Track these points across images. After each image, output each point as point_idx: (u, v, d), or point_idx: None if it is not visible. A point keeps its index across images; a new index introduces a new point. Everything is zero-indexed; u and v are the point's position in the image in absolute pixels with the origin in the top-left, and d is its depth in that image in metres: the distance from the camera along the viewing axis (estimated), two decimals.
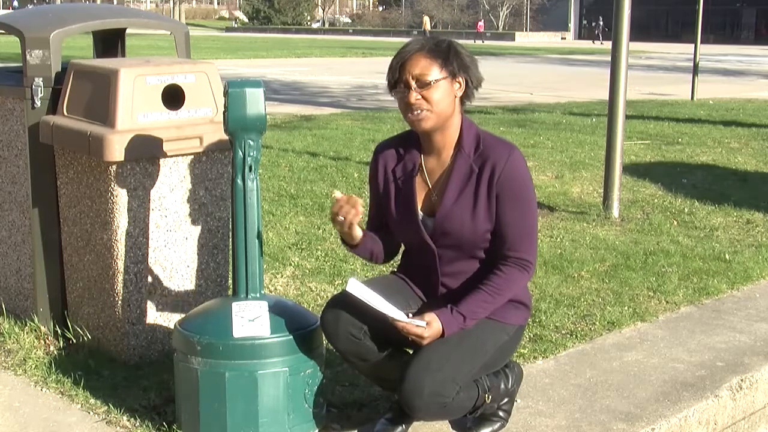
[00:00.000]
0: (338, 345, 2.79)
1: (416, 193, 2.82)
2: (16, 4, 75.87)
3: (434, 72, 2.69)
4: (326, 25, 77.56)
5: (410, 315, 2.72)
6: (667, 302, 4.44)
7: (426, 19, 56.10)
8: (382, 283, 2.91)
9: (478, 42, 52.67)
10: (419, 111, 2.70)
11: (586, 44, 51.30)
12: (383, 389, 3.11)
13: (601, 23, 54.22)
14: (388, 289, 2.83)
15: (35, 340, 3.64)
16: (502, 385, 2.94)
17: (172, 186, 3.43)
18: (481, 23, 61.90)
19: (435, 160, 2.83)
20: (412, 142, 2.86)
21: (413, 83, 2.69)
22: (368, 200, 2.99)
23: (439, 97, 2.70)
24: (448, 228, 2.77)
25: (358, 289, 2.65)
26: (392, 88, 2.77)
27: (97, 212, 3.40)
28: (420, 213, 2.82)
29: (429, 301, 2.87)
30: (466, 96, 2.78)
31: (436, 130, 2.76)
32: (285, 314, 2.86)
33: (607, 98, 6.33)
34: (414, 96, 2.70)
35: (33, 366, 3.44)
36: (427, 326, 2.64)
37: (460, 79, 2.74)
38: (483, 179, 2.73)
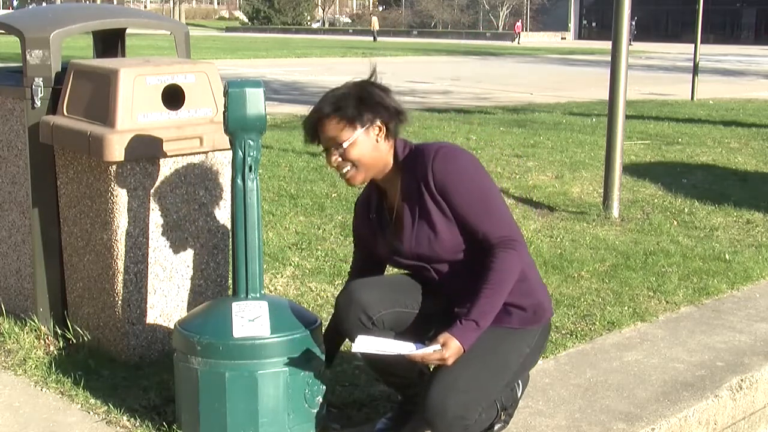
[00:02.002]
0: (345, 326, 2.76)
1: (378, 232, 2.83)
2: (15, 3, 75.83)
3: (347, 132, 2.67)
4: (326, 25, 77.62)
5: (426, 342, 2.67)
6: (667, 302, 4.44)
7: (374, 20, 56.16)
8: (393, 282, 2.89)
9: (515, 43, 52.73)
10: (345, 170, 2.71)
11: (586, 44, 51.27)
12: (388, 386, 3.08)
13: (633, 23, 53.76)
14: (398, 287, 2.82)
15: (35, 340, 3.64)
16: (514, 396, 2.98)
17: (172, 186, 3.43)
18: (519, 24, 60.85)
19: (390, 194, 2.82)
20: (372, 184, 2.86)
21: (331, 147, 2.69)
22: None
23: (360, 152, 2.68)
24: (419, 251, 2.76)
25: (366, 344, 2.60)
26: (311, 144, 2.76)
27: (97, 212, 3.40)
28: (394, 246, 2.80)
29: (434, 299, 2.84)
30: (389, 131, 2.72)
31: (374, 176, 2.75)
32: (285, 314, 2.86)
33: (607, 98, 6.33)
34: (335, 159, 2.70)
35: (33, 366, 3.44)
36: (445, 348, 2.59)
37: (378, 122, 2.69)
38: (423, 191, 2.70)
